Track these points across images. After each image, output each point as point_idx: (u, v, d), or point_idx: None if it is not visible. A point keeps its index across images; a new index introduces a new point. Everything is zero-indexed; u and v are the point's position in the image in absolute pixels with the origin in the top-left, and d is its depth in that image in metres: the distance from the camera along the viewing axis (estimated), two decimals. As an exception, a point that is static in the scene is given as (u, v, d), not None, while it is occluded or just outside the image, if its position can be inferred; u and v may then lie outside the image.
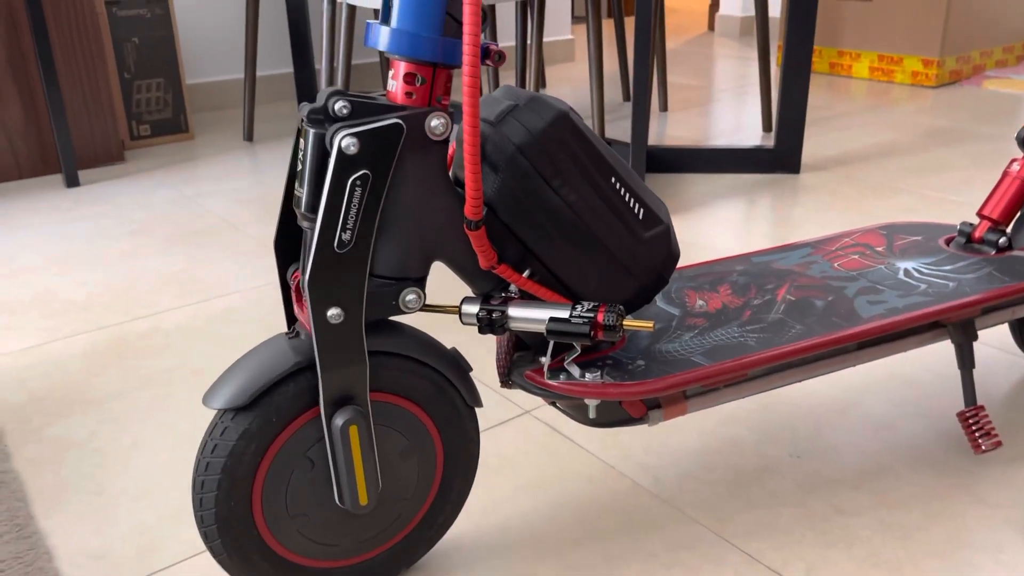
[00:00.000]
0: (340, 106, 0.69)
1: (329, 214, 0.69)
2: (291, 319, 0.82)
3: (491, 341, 1.33)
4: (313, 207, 0.72)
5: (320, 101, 0.70)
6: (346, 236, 0.70)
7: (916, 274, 1.00)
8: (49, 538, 0.92)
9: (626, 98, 3.01)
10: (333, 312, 0.71)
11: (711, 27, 4.88)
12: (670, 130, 2.59)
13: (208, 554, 0.90)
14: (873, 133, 2.53)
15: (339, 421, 0.74)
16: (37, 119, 2.23)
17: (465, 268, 0.79)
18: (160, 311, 1.45)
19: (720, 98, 3.03)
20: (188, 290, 1.53)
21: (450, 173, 0.79)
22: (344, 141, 0.67)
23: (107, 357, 1.30)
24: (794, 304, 0.94)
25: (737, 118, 2.73)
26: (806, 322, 0.90)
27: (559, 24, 3.84)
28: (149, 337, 1.36)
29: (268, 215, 1.92)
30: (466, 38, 0.66)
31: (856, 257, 1.05)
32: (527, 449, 1.07)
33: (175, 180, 2.20)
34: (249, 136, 2.60)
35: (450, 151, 0.82)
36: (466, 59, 0.67)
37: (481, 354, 1.30)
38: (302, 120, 0.74)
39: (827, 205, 1.92)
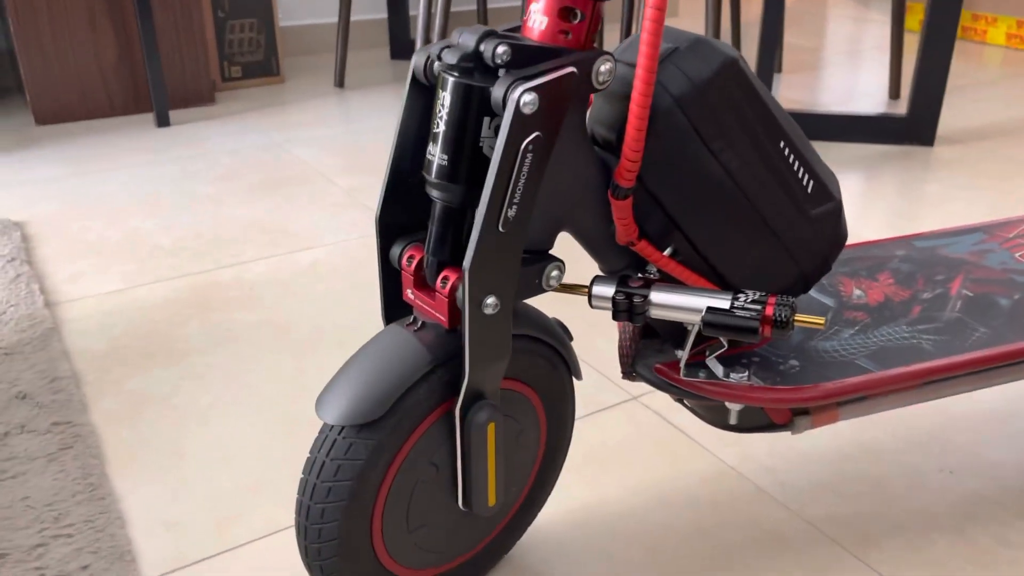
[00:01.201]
0: (502, 51, 0.57)
1: (499, 188, 0.57)
2: (392, 305, 0.70)
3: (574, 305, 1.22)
4: (452, 175, 0.61)
5: (468, 43, 0.58)
6: (512, 213, 0.58)
7: (1121, 273, 0.85)
8: (122, 501, 0.86)
9: (735, 57, 2.82)
10: (490, 301, 0.60)
11: (824, -15, 4.57)
12: (785, 92, 2.40)
13: (288, 532, 0.82)
14: (1013, 105, 2.29)
15: (478, 420, 0.64)
16: (131, 57, 2.19)
17: (595, 241, 0.68)
18: (245, 261, 1.39)
19: (837, 61, 2.81)
20: (274, 240, 1.46)
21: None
22: (525, 97, 0.55)
23: (190, 307, 1.24)
24: (973, 301, 0.80)
25: (856, 83, 2.51)
26: (992, 324, 0.76)
27: (664, -24, 3.62)
28: (233, 288, 1.30)
29: (358, 165, 1.84)
30: None
31: (1043, 248, 0.90)
32: (635, 440, 0.96)
33: (265, 125, 2.13)
34: (340, 82, 2.52)
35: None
36: None
37: (573, 322, 1.19)
38: (429, 66, 0.62)
39: (968, 183, 1.73)
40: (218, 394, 1.04)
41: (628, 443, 0.96)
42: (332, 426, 0.62)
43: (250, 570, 0.78)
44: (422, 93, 0.64)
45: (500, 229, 0.59)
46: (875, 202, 1.64)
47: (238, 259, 1.39)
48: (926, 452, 0.94)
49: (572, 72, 0.58)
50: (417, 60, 0.63)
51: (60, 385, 1.01)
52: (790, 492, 0.88)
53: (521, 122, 0.56)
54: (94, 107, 2.19)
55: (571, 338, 0.73)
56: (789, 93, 2.40)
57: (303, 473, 0.63)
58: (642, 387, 1.06)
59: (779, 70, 2.67)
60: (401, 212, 0.67)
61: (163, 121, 2.13)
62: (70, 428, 0.93)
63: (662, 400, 1.03)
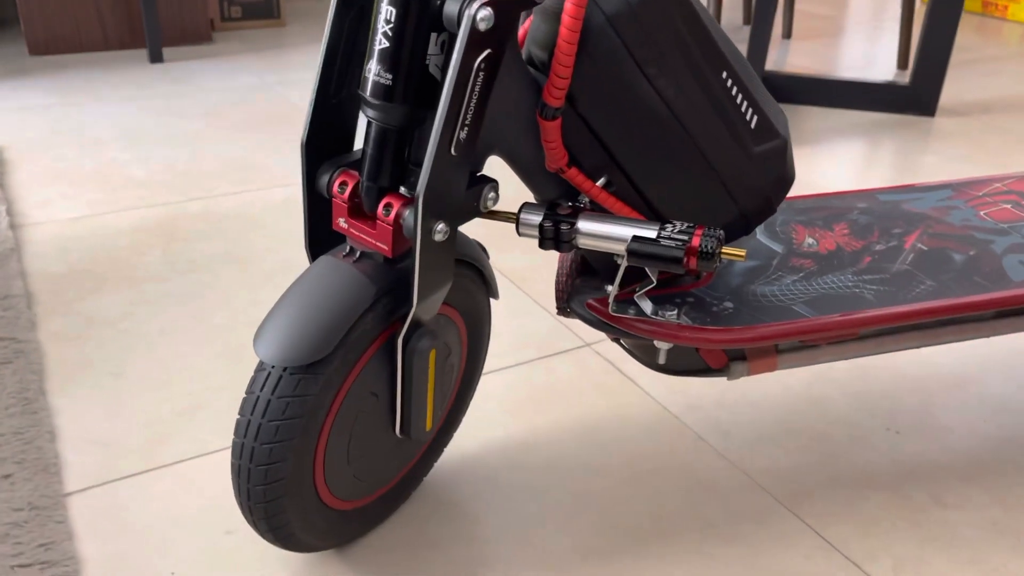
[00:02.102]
0: None
1: (453, 110, 0.55)
2: (318, 235, 0.68)
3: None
4: (394, 94, 0.58)
5: None
6: (463, 135, 0.57)
7: (1084, 235, 0.82)
8: (56, 417, 0.85)
9: (746, 21, 2.76)
10: (439, 227, 0.59)
11: (849, -45, 4.46)
12: (792, 58, 2.35)
13: (215, 456, 0.82)
14: (1023, 81, 2.23)
15: (421, 347, 0.63)
16: (127, -10, 2.16)
17: (527, 167, 0.66)
18: (217, 195, 1.37)
19: (852, 29, 2.74)
20: (249, 176, 1.45)
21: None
22: (481, 13, 0.54)
23: (154, 236, 1.23)
24: (926, 255, 0.78)
25: (868, 52, 2.45)
26: (940, 278, 0.74)
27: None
28: (200, 220, 1.28)
29: (345, 108, 1.82)
30: None
31: (1008, 207, 0.87)
32: (581, 386, 0.95)
33: (259, 66, 2.11)
34: (339, 27, 2.48)
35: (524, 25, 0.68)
36: None
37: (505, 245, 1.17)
38: None
39: (965, 155, 1.69)
40: (168, 320, 1.03)
41: (574, 388, 0.94)
42: (274, 364, 0.59)
43: (172, 489, 0.78)
44: (351, 5, 0.62)
45: (452, 152, 0.57)
46: (867, 169, 1.60)
47: (210, 193, 1.38)
48: (875, 411, 0.92)
49: None
50: None
51: (10, 303, 1.01)
52: (731, 443, 0.87)
53: (476, 39, 0.54)
54: (88, 40, 2.17)
55: (488, 257, 0.72)
56: (796, 59, 2.34)
57: (242, 414, 0.60)
58: (596, 334, 1.04)
59: (788, 36, 2.61)
60: (326, 135, 0.64)
61: (156, 57, 2.11)
62: (13, 344, 0.93)
63: (615, 348, 1.02)
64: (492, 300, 1.02)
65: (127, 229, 1.25)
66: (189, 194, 1.37)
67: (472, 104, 0.56)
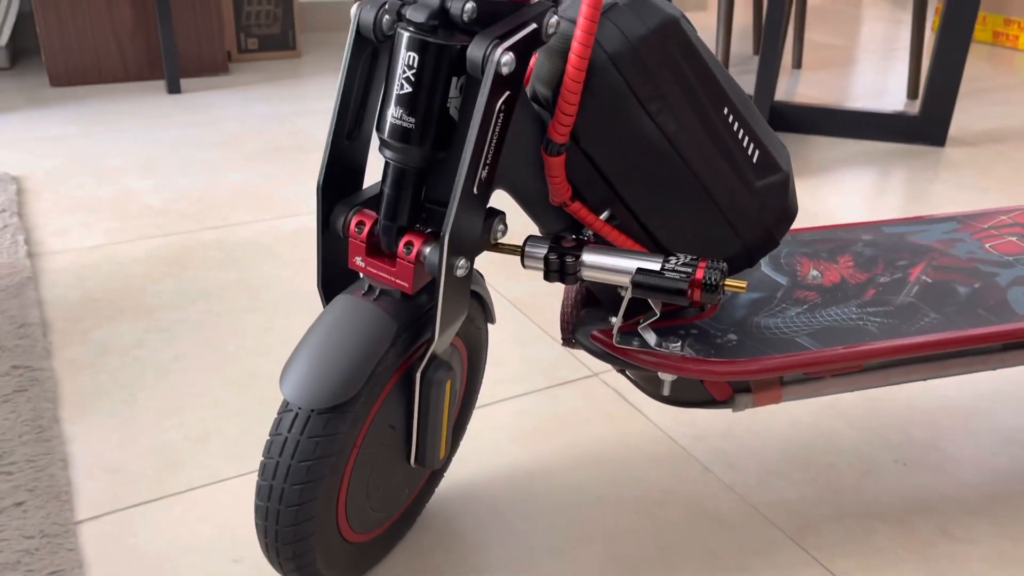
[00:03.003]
0: (470, 8, 0.57)
1: (477, 151, 0.57)
2: (331, 274, 0.68)
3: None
4: (415, 137, 0.60)
5: (432, 0, 0.57)
6: (484, 174, 0.58)
7: (1090, 268, 0.82)
8: (69, 444, 0.86)
9: (756, 51, 2.78)
10: (461, 263, 0.60)
11: (859, -15, 4.49)
12: (802, 88, 2.36)
13: (227, 484, 0.83)
14: (1036, 110, 2.23)
15: (438, 379, 0.64)
16: (147, 23, 2.21)
17: (531, 201, 0.67)
18: (231, 224, 1.39)
19: (863, 60, 2.76)
20: (263, 205, 1.47)
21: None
22: (504, 58, 0.56)
23: (169, 265, 1.25)
24: (930, 287, 0.78)
25: (878, 82, 2.46)
26: (943, 311, 0.74)
27: (692, -32, 3.59)
28: (214, 249, 1.30)
29: (358, 138, 1.84)
30: None
31: (1014, 239, 0.87)
32: (588, 416, 0.95)
33: (274, 96, 2.15)
34: (354, 58, 2.52)
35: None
36: None
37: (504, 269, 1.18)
38: (379, 21, 0.60)
39: (974, 184, 1.69)
40: (181, 348, 1.04)
41: (581, 418, 0.95)
42: (302, 406, 0.60)
43: (182, 517, 0.79)
44: (364, 47, 0.63)
45: (475, 192, 0.58)
46: (877, 199, 1.61)
47: (224, 222, 1.40)
48: (883, 443, 0.92)
49: (536, 28, 0.58)
50: (366, 16, 0.61)
51: (27, 331, 1.02)
52: (738, 475, 0.87)
53: (499, 83, 0.56)
54: (108, 71, 2.21)
55: (483, 280, 0.73)
56: (806, 89, 2.36)
57: (268, 456, 0.60)
58: (604, 364, 1.05)
59: (799, 66, 2.63)
60: (340, 176, 0.66)
61: (174, 88, 2.15)
62: (29, 372, 0.95)
63: (622, 378, 1.02)
64: (491, 325, 1.04)
65: (142, 258, 1.27)
66: (203, 223, 1.39)
67: (492, 144, 0.58)
